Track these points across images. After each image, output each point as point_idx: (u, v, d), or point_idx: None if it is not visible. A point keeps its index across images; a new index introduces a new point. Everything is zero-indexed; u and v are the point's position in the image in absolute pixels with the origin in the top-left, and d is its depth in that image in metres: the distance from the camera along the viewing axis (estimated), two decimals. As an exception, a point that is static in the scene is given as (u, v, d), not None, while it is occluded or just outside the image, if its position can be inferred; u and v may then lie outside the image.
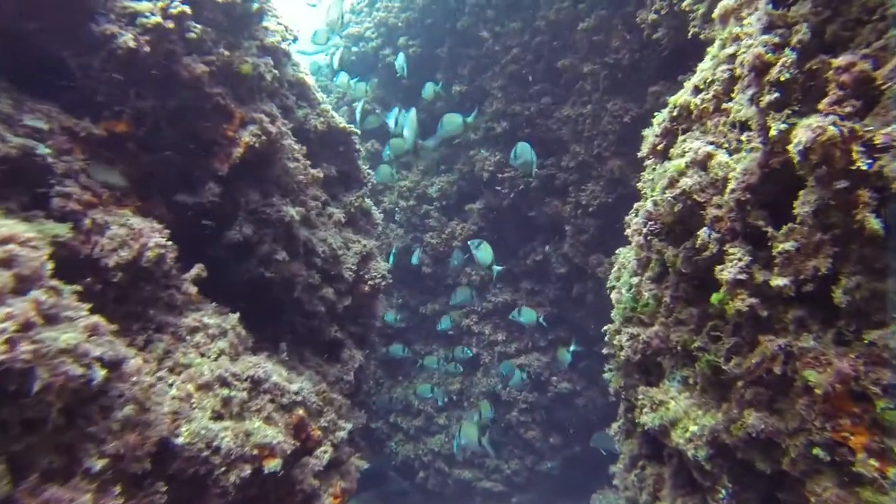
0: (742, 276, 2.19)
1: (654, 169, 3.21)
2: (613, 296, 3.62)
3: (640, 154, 3.64)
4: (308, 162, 4.73)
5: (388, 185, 10.00)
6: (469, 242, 7.87)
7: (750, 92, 2.05)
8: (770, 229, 2.13)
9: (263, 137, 3.78)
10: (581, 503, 9.33)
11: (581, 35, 6.98)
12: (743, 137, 2.34)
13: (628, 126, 6.81)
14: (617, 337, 3.50)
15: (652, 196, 2.91)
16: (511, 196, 8.48)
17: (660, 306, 2.99)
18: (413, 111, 7.51)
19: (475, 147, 8.85)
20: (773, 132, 1.97)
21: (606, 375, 3.99)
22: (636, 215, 4.64)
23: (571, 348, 8.28)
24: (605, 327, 3.90)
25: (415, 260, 9.41)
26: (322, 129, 5.85)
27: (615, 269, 4.29)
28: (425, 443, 10.16)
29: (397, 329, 10.28)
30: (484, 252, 7.64)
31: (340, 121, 6.12)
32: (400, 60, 8.45)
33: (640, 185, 4.55)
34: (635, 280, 3.19)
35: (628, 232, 4.21)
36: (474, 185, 9.10)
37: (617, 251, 4.61)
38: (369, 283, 5.97)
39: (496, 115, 8.43)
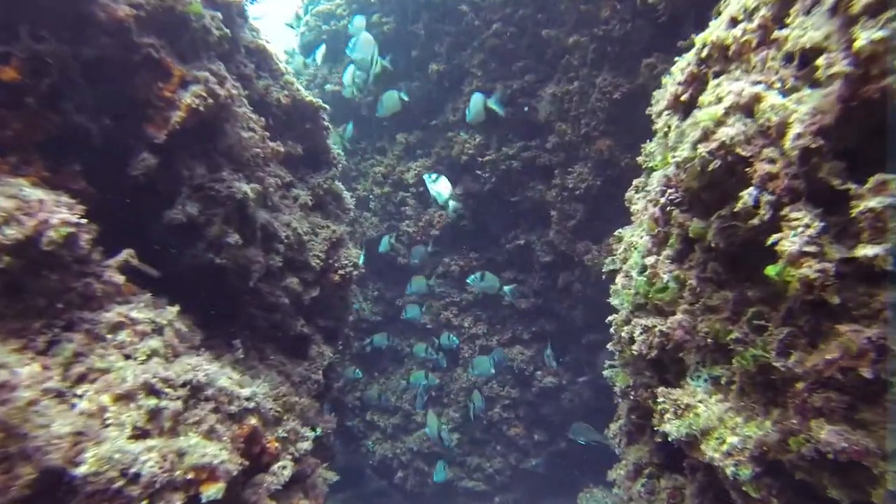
0: (811, 248, 1.66)
1: (671, 128, 2.67)
2: (620, 281, 3.10)
3: (653, 110, 3.11)
4: (266, 134, 4.12)
5: (363, 172, 9.40)
6: (506, 289, 7.88)
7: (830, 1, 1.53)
8: (852, 185, 1.61)
9: (210, 100, 3.17)
10: (567, 501, 8.87)
11: (568, 5, 6.45)
12: (800, 73, 1.81)
13: (619, 103, 6.30)
14: (625, 328, 2.97)
15: (673, 158, 2.38)
16: (492, 181, 7.94)
17: (683, 290, 2.47)
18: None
19: (454, 129, 8.28)
20: (864, 45, 1.44)
21: (608, 373, 3.47)
22: (638, 191, 4.13)
23: (547, 352, 7.86)
24: (611, 318, 3.37)
25: (383, 247, 8.82)
26: (286, 102, 5.23)
27: (620, 250, 3.76)
28: (403, 441, 9.65)
29: (373, 322, 9.71)
30: (489, 282, 7.62)
31: (307, 94, 5.51)
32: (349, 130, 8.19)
33: (642, 157, 4.04)
34: (650, 260, 2.66)
35: (635, 209, 3.69)
36: (453, 169, 8.53)
37: (617, 232, 4.08)
38: (339, 272, 5.39)
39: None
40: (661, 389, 2.49)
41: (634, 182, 4.20)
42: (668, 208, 2.52)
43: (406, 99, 7.48)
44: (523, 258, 8.21)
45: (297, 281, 4.87)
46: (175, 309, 2.88)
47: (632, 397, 3.10)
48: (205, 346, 3.56)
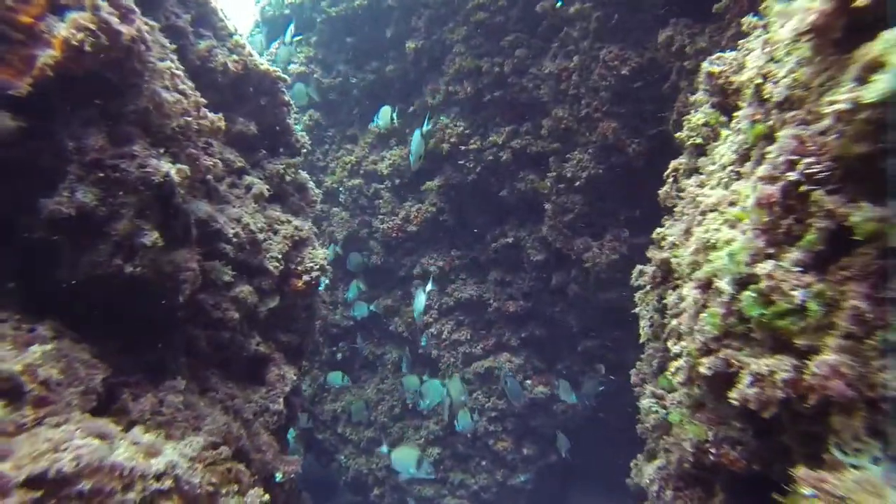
0: None
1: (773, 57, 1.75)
2: (692, 294, 2.17)
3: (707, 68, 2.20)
4: (203, 101, 3.09)
5: (332, 163, 8.35)
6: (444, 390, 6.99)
7: None
8: None
9: (103, 38, 2.15)
10: (558, 520, 8.03)
11: (567, -33, 5.54)
12: None
13: (626, 80, 5.40)
14: (707, 361, 2.04)
15: (833, 106, 1.46)
16: (477, 171, 6.98)
17: (833, 316, 1.54)
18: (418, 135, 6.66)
19: (434, 114, 7.30)
20: None
21: (646, 404, 2.55)
22: (681, 176, 3.22)
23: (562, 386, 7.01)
24: (679, 346, 2.45)
25: (352, 265, 7.90)
26: (236, 70, 4.20)
27: (664, 252, 2.85)
28: (379, 456, 8.65)
29: (345, 328, 8.69)
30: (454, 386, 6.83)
31: (262, 62, 4.48)
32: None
33: (685, 132, 3.13)
34: (765, 267, 1.74)
35: (688, 196, 2.78)
36: (433, 159, 7.55)
37: (658, 231, 3.17)
38: (304, 277, 4.38)
39: (459, 74, 6.89)
40: (802, 472, 1.57)
41: (673, 164, 3.29)
42: (802, 188, 1.60)
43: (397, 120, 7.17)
44: (512, 257, 7.28)
45: (251, 290, 3.86)
46: (39, 349, 1.85)
47: (712, 454, 2.17)
48: (113, 385, 2.54)
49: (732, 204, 2.09)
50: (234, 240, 3.67)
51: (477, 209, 7.45)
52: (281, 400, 4.05)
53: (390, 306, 8.21)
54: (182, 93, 2.80)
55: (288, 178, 4.63)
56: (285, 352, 4.51)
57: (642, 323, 4.26)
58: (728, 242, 1.98)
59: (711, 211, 2.21)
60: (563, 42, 5.89)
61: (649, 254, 3.46)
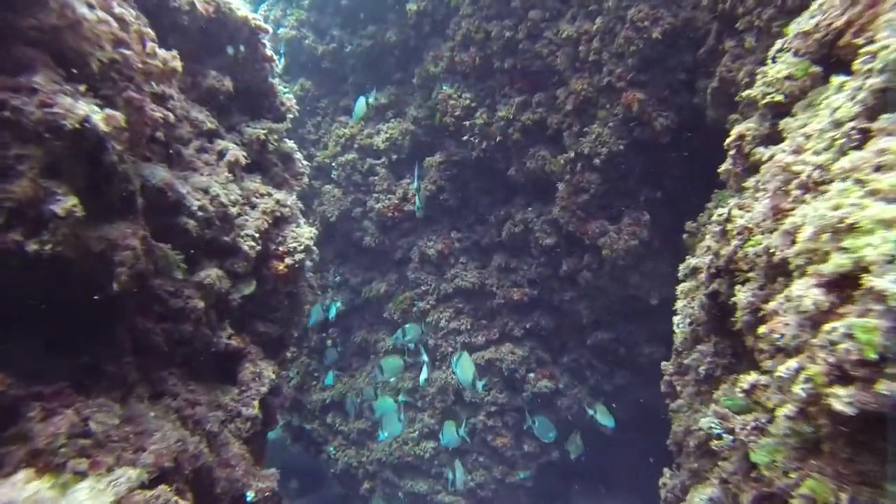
0: None
1: None
2: (810, 295, 1.52)
3: None
4: (150, 32, 2.40)
5: (324, 136, 7.64)
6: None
7: None
8: None
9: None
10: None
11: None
12: None
13: (657, 45, 4.72)
14: (837, 395, 1.40)
15: None
16: (483, 147, 6.30)
17: None
18: None
19: (435, 83, 6.59)
20: None
21: (760, 457, 1.92)
22: (746, 142, 2.57)
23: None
24: (695, 347, 1.82)
25: (332, 314, 7.40)
26: (206, 13, 3.51)
27: (730, 238, 2.21)
28: (370, 449, 8.07)
29: (336, 313, 8.03)
30: (464, 366, 5.96)
31: (240, 7, 3.78)
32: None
33: (759, 89, 2.47)
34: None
35: (772, 166, 2.13)
36: (434, 133, 6.87)
37: (720, 213, 2.52)
38: (286, 259, 3.72)
39: (465, 40, 6.17)
40: None
41: (739, 130, 2.63)
42: None
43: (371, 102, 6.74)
44: (518, 240, 6.63)
45: (220, 274, 3.20)
46: None
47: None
48: (18, 399, 1.89)
49: (881, 169, 1.44)
50: (200, 213, 3.01)
51: (481, 188, 6.78)
52: (255, 403, 3.41)
53: (384, 291, 7.56)
54: (118, 17, 2.11)
55: (270, 146, 3.95)
56: (263, 345, 3.88)
57: (677, 320, 3.64)
58: (886, 223, 1.33)
59: (839, 180, 1.56)
60: (583, 2, 5.19)
61: (707, 241, 2.81)
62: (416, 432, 7.71)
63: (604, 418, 5.99)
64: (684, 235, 4.44)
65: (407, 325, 6.74)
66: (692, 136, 4.97)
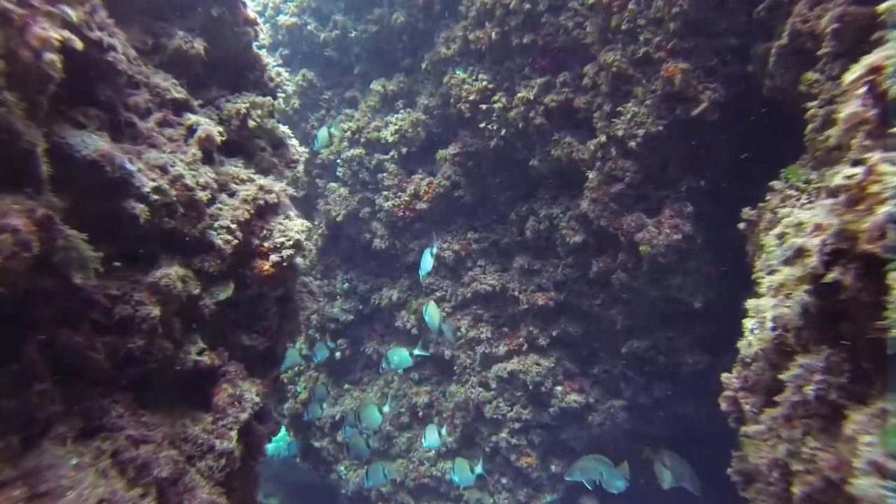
0: None
1: None
2: None
3: None
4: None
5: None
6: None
7: None
8: None
9: None
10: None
11: None
12: None
13: (703, 5, 4.04)
14: None
15: None
16: (501, 134, 5.62)
17: None
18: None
19: (447, 67, 5.94)
20: None
21: None
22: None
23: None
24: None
25: (319, 357, 6.93)
26: (171, -39, 2.88)
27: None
28: (384, 468, 7.36)
29: (344, 323, 7.38)
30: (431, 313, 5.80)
31: (215, -42, 3.15)
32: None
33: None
34: None
35: None
36: (447, 122, 6.22)
37: (850, 170, 1.82)
38: (272, 256, 3.06)
39: (479, 16, 5.52)
40: None
41: (870, 62, 1.92)
42: None
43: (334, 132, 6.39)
44: (541, 239, 5.92)
45: (183, 273, 2.55)
46: None
47: None
48: None
49: None
50: (155, 198, 2.36)
51: (500, 183, 6.10)
52: (233, 433, 2.75)
53: (396, 299, 6.89)
54: None
55: (253, 123, 3.30)
56: (248, 361, 3.21)
57: (751, 323, 2.93)
58: None
59: None
60: (615, -38, 4.51)
61: (803, 217, 2.11)
62: (433, 451, 7.01)
63: (613, 479, 5.27)
64: (741, 225, 3.73)
65: (390, 351, 6.23)
66: (744, 111, 4.27)
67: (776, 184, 3.36)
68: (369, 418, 6.22)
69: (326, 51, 6.86)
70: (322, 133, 6.23)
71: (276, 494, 8.85)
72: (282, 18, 6.81)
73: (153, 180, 2.38)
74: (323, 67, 7.02)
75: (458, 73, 5.80)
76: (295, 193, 3.56)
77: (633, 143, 4.65)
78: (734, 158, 4.75)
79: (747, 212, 3.62)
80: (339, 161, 6.79)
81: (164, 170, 2.47)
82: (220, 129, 3.01)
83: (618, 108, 4.69)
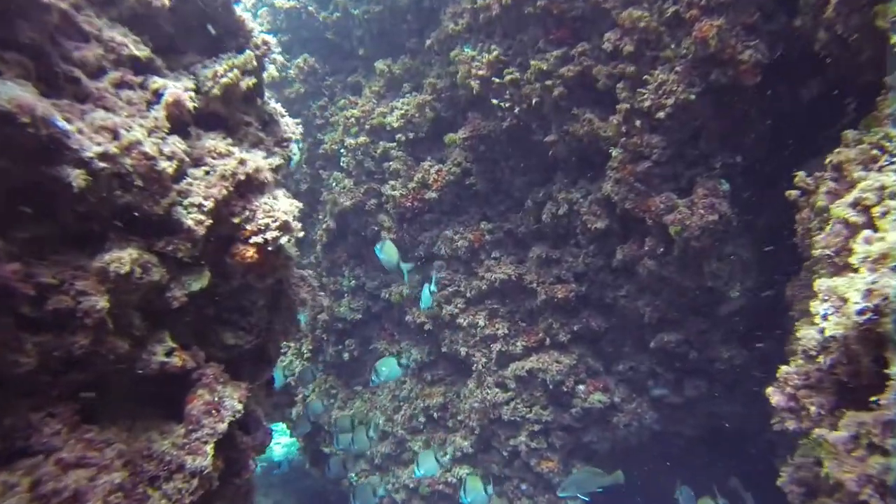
0: None
1: None
2: None
3: None
4: None
5: (332, 119, 6.59)
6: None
7: None
8: None
9: None
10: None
11: None
12: None
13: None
14: None
15: None
16: (515, 112, 5.14)
17: None
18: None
19: (455, 45, 5.47)
20: None
21: None
22: None
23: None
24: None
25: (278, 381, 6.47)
26: None
27: None
28: (396, 475, 6.94)
29: (351, 321, 6.94)
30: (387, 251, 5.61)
31: None
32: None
33: None
34: None
35: None
36: (455, 104, 5.75)
37: None
38: (254, 239, 2.60)
39: (489, -14, 5.05)
40: None
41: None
42: None
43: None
44: (561, 226, 5.44)
45: (139, 257, 2.11)
46: None
47: None
48: None
49: None
50: (101, 165, 1.92)
51: (514, 167, 5.63)
52: (208, 448, 2.30)
53: (406, 295, 6.43)
54: None
55: (227, 80, 2.84)
56: (231, 362, 2.78)
57: (824, 307, 2.44)
58: None
59: None
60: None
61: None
62: (448, 456, 6.55)
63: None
64: (794, 193, 3.23)
65: (379, 363, 5.90)
66: (790, 72, 3.77)
67: (849, 135, 2.84)
68: (361, 441, 5.99)
69: (327, 34, 6.43)
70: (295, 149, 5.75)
71: (286, 502, 8.44)
72: (280, 1, 6.38)
73: (99, 144, 1.94)
74: (325, 53, 6.59)
75: (466, 49, 5.33)
76: (277, 174, 3.12)
77: (661, 115, 4.16)
78: (774, 130, 4.26)
79: (802, 178, 3.12)
80: (342, 150, 6.35)
81: (114, 133, 2.03)
82: (191, 94, 2.58)
83: (644, 77, 4.20)
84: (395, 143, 6.07)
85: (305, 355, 7.46)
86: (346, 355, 7.06)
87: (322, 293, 7.01)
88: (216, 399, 2.47)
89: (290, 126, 3.49)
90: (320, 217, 6.82)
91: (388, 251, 5.56)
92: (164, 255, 2.29)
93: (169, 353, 2.32)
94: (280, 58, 3.43)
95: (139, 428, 2.22)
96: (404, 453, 6.93)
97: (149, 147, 2.15)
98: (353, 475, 7.27)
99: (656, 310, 5.07)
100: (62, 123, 1.79)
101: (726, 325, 5.01)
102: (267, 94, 3.61)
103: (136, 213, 2.16)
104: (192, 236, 2.36)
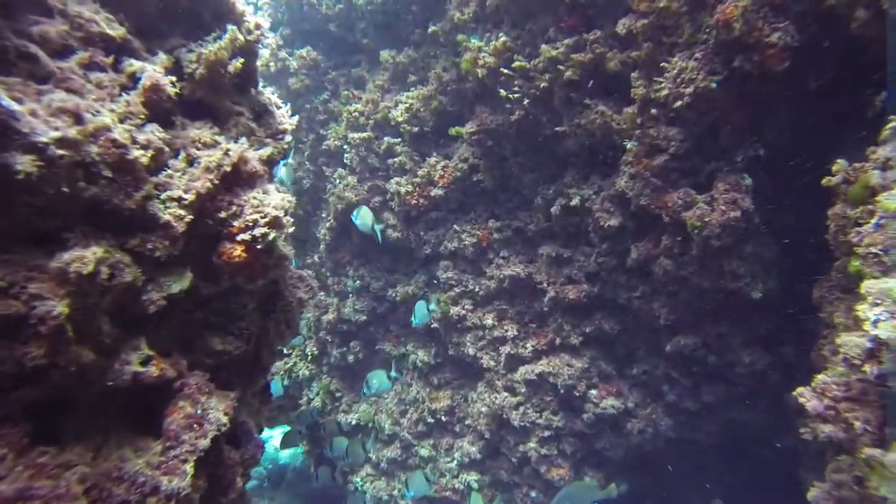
0: None
1: None
2: None
3: None
4: None
5: (334, 113, 6.35)
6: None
7: None
8: None
9: None
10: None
11: None
12: None
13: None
14: None
15: None
16: (525, 104, 4.89)
17: None
18: None
19: (462, 33, 5.22)
20: None
21: None
22: None
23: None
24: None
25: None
26: None
27: None
28: (402, 481, 6.69)
29: (356, 323, 6.70)
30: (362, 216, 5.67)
31: None
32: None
33: None
34: None
35: None
36: (462, 97, 5.50)
37: None
38: (242, 236, 2.36)
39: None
40: None
41: None
42: None
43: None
44: (571, 225, 5.18)
45: (116, 258, 1.88)
46: None
47: None
48: None
49: None
50: (58, 152, 1.68)
51: (523, 163, 5.37)
52: (187, 467, 2.07)
53: (412, 293, 6.19)
54: None
55: (219, 66, 2.60)
56: (220, 370, 2.54)
57: (874, 313, 2.17)
58: None
59: None
60: None
61: None
62: (455, 462, 6.31)
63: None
64: (835, 179, 2.96)
65: (371, 374, 5.78)
66: (817, 60, 3.49)
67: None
68: (356, 454, 5.86)
69: (330, 26, 6.20)
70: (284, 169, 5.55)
71: (291, 506, 8.23)
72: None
73: (56, 129, 1.70)
74: (327, 46, 6.36)
75: (473, 40, 5.08)
76: (270, 167, 2.89)
77: (679, 105, 3.89)
78: (800, 119, 3.98)
79: (843, 165, 2.84)
80: (345, 146, 6.11)
81: (77, 117, 1.80)
82: (172, 78, 2.34)
83: (662, 63, 3.93)
84: (399, 140, 5.83)
85: (309, 357, 7.25)
86: (350, 357, 6.83)
87: (322, 293, 6.78)
88: (199, 411, 2.24)
89: (286, 117, 3.26)
90: (324, 215, 6.59)
91: (363, 216, 5.60)
92: (140, 255, 2.06)
93: (145, 363, 2.09)
94: (269, 41, 3.18)
95: (111, 446, 1.99)
96: (411, 458, 6.69)
97: (119, 134, 1.91)
98: (359, 479, 7.05)
99: (672, 312, 4.80)
100: (7, 102, 1.55)
101: (748, 328, 4.73)
102: (269, 89, 3.39)
103: (106, 208, 1.92)
104: (170, 233, 2.12)
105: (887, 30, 2.51)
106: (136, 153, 1.98)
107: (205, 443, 2.16)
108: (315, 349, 7.13)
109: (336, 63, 6.41)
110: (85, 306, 1.80)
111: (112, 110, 1.99)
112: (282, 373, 7.40)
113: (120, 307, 2.02)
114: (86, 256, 1.76)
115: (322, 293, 6.82)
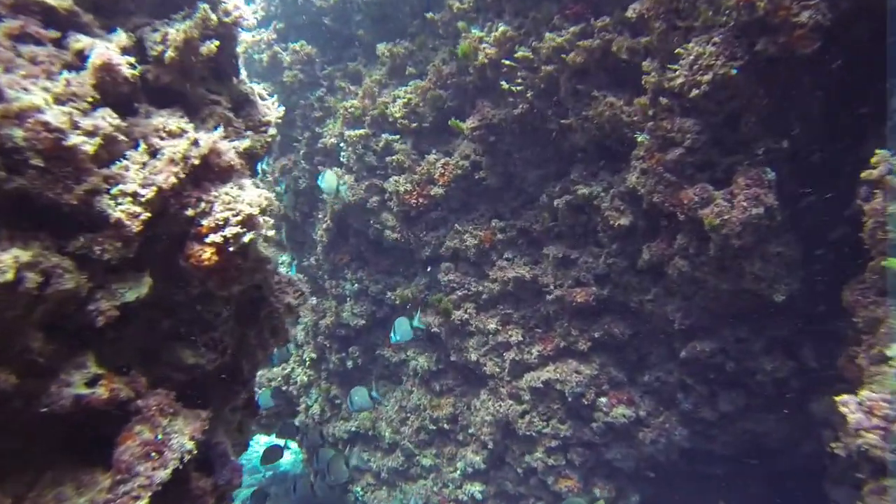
0: None
1: None
2: None
3: None
4: None
5: (330, 110, 6.05)
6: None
7: None
8: None
9: None
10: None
11: None
12: None
13: None
14: None
15: None
16: (529, 97, 4.57)
17: None
18: None
19: (463, 22, 4.91)
20: None
21: None
22: None
23: None
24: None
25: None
26: None
27: None
28: (404, 491, 6.41)
29: (355, 328, 6.39)
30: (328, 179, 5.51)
31: None
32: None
33: None
34: None
35: None
36: (462, 91, 5.18)
37: None
38: (210, 237, 2.05)
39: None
40: None
41: None
42: None
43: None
44: (579, 224, 4.86)
45: (53, 262, 1.57)
46: None
47: None
48: None
49: None
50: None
51: (527, 159, 5.05)
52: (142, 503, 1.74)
53: (412, 296, 5.87)
54: None
55: (189, 47, 2.29)
56: (187, 386, 2.23)
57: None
58: None
59: None
60: None
61: None
62: (458, 471, 5.99)
63: None
64: (876, 172, 2.63)
65: (354, 390, 5.67)
66: (847, 45, 3.17)
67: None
68: (339, 471, 5.53)
69: (325, 19, 5.90)
70: (329, 177, 5.52)
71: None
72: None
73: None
74: (322, 40, 6.06)
75: (473, 31, 4.77)
76: (247, 160, 2.58)
77: (696, 94, 3.56)
78: (829, 108, 3.65)
79: (885, 155, 2.52)
80: (342, 144, 5.81)
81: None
82: (131, 60, 2.04)
83: (675, 51, 3.61)
84: (397, 136, 5.52)
85: (307, 363, 6.95)
86: (349, 363, 6.52)
87: (319, 297, 6.48)
88: (159, 437, 1.93)
89: (272, 109, 2.96)
90: (320, 216, 6.29)
91: (328, 179, 5.48)
92: (85, 258, 1.75)
93: (91, 383, 1.79)
94: (250, 23, 2.87)
95: (45, 483, 1.68)
96: (412, 468, 6.37)
97: (51, 117, 1.61)
98: (359, 489, 6.75)
99: (687, 315, 4.47)
100: None
101: (769, 333, 4.40)
102: (262, 85, 3.10)
103: (38, 204, 1.62)
104: (122, 233, 1.82)
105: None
106: (75, 140, 1.68)
107: (163, 474, 1.85)
108: (313, 354, 6.83)
109: (331, 58, 6.11)
110: (6, 320, 1.50)
111: (46, 89, 1.69)
112: (279, 379, 7.11)
113: (59, 319, 1.71)
114: (3, 260, 1.45)
115: (319, 297, 6.52)
